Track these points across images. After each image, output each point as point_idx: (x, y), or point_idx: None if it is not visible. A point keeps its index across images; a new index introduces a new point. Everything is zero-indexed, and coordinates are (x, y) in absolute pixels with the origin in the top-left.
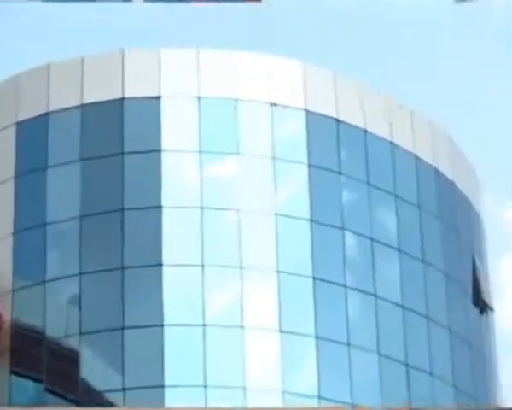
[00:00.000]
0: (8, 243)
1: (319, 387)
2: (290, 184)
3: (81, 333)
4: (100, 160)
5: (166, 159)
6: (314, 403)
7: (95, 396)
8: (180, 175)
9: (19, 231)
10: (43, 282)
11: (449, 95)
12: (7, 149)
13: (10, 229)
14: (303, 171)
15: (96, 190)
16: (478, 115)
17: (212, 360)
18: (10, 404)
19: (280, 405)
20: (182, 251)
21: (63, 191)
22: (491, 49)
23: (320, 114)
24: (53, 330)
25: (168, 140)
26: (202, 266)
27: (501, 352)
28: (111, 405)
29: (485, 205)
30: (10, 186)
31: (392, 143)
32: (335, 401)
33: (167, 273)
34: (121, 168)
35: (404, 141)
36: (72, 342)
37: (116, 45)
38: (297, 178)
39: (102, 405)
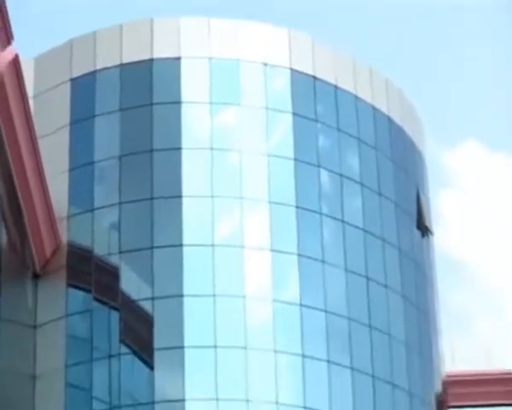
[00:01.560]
0: (65, 178)
1: (300, 296)
2: (279, 129)
3: (120, 252)
4: (134, 110)
5: (185, 109)
6: (297, 310)
7: (131, 304)
8: (195, 122)
9: (73, 168)
10: (92, 210)
11: (403, 53)
12: (63, 101)
13: (66, 166)
14: (289, 119)
15: (131, 134)
16: (428, 69)
17: (219, 272)
18: (67, 313)
19: (270, 311)
20: (196, 185)
21: (106, 136)
22: None
23: (302, 73)
24: (99, 250)
25: (186, 93)
26: (212, 196)
27: (438, 268)
28: (143, 311)
29: (428, 147)
30: (66, 132)
31: (356, 97)
32: (313, 308)
33: (186, 203)
34: (150, 117)
35: (366, 95)
36: (114, 260)
37: (144, 14)
38: (284, 125)
39: (136, 311)
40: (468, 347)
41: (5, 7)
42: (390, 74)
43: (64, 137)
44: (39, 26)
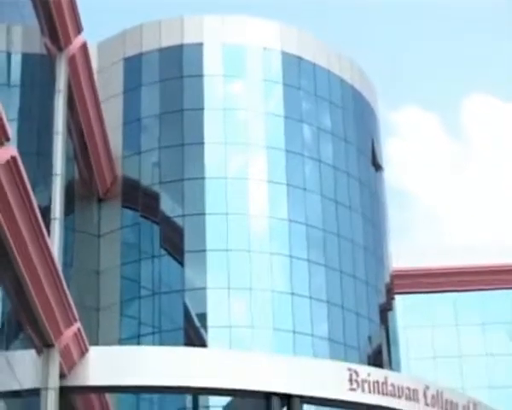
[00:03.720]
0: (120, 130)
1: (288, 214)
2: (273, 95)
3: (160, 183)
4: (169, 81)
5: (205, 80)
6: (286, 224)
7: (167, 219)
8: (213, 90)
9: (125, 122)
10: (139, 153)
11: (367, 38)
12: (118, 75)
13: (121, 121)
14: (280, 88)
15: (167, 98)
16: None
17: (231, 197)
18: (122, 226)
19: (267, 225)
20: (214, 135)
21: (149, 100)
22: None
23: (290, 54)
24: (144, 181)
25: (206, 69)
26: (225, 143)
27: (388, 194)
28: (176, 225)
29: (379, 107)
30: (121, 97)
31: (329, 71)
32: (298, 222)
33: (207, 148)
34: (181, 86)
35: (335, 70)
36: (155, 188)
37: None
38: (277, 92)
39: (172, 224)
40: (408, 250)
41: (76, 5)
42: (354, 54)
43: (119, 100)
44: (98, 17)
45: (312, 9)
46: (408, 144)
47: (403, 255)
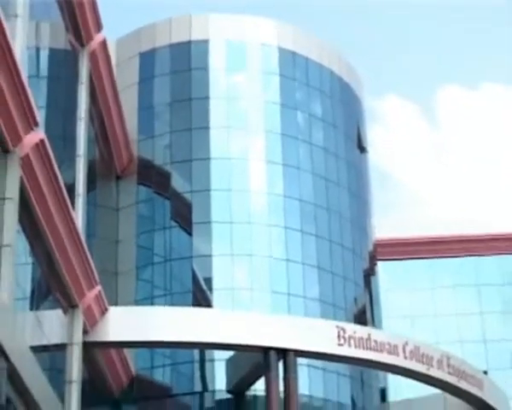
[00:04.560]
0: (135, 115)
1: (284, 190)
2: (271, 85)
3: (171, 162)
4: (179, 73)
5: (211, 72)
6: (281, 199)
7: (177, 195)
8: (217, 80)
9: (140, 109)
10: (152, 136)
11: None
12: (134, 67)
13: (136, 108)
14: (277, 79)
15: (176, 88)
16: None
17: (233, 175)
18: (137, 201)
19: (265, 200)
20: (218, 120)
21: (161, 89)
22: None
23: (285, 49)
24: (157, 161)
25: (211, 63)
26: (228, 127)
27: (371, 174)
28: (185, 199)
29: (365, 96)
30: (136, 87)
31: (320, 64)
32: (292, 198)
33: (212, 132)
34: (189, 77)
35: (325, 63)
36: (167, 167)
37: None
38: (274, 83)
39: (181, 199)
40: (390, 223)
41: (96, 5)
42: (342, 48)
43: (135, 90)
44: (115, 15)
45: (306, 8)
46: (389, 130)
47: (385, 228)
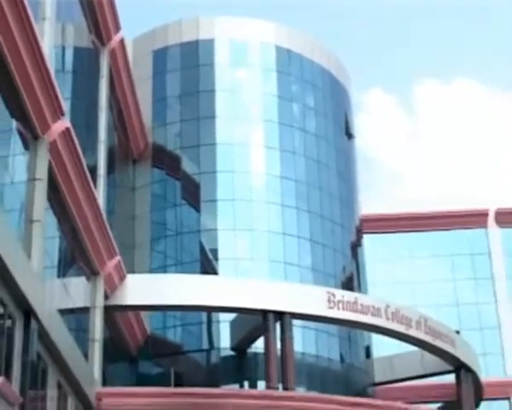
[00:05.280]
0: (150, 106)
1: (281, 171)
2: (269, 79)
3: (181, 148)
4: (188, 68)
5: (216, 68)
6: (278, 179)
7: (187, 176)
8: (222, 75)
9: (154, 100)
10: (165, 124)
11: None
12: (148, 63)
13: (150, 99)
14: (274, 74)
15: (186, 82)
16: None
17: (236, 159)
18: (151, 182)
19: (264, 180)
20: (223, 110)
21: (172, 83)
22: None
23: (282, 47)
24: (169, 146)
25: (217, 60)
26: (231, 117)
27: (357, 158)
28: (194, 180)
29: (352, 88)
30: (150, 80)
31: (312, 61)
32: (288, 178)
33: (218, 121)
34: (197, 72)
35: (316, 59)
36: (177, 152)
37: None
38: (272, 77)
39: (190, 180)
40: (374, 201)
41: (116, 8)
42: (332, 45)
43: (149, 83)
44: (132, 16)
45: (300, 9)
46: (373, 119)
47: (370, 205)
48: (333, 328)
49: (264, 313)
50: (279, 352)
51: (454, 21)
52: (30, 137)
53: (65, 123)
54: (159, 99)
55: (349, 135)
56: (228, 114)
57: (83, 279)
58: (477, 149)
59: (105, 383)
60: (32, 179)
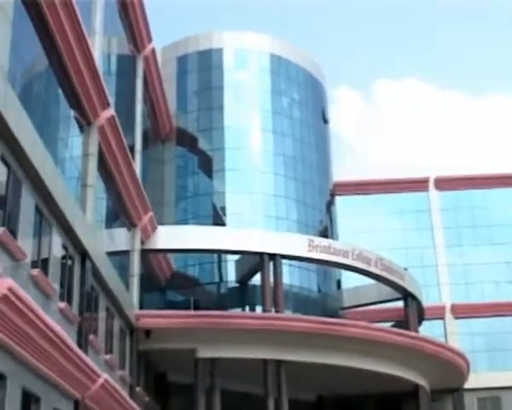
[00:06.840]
0: (174, 99)
1: (274, 148)
2: (264, 79)
3: (198, 130)
4: (203, 71)
5: (224, 70)
6: (271, 154)
7: (203, 152)
8: (228, 76)
9: (178, 95)
10: (186, 112)
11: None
12: (173, 67)
13: (175, 95)
14: (268, 75)
15: (201, 81)
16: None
17: (238, 139)
18: (176, 156)
19: (261, 155)
20: (229, 103)
21: (192, 81)
22: None
23: (275, 55)
24: (189, 129)
25: (225, 64)
26: (236, 108)
27: (332, 138)
28: (208, 156)
29: (326, 83)
30: (174, 80)
31: (297, 64)
32: (278, 154)
33: (225, 112)
34: (209, 74)
35: (300, 63)
36: (195, 134)
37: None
38: (266, 78)
39: (206, 156)
40: (344, 170)
41: (148, 23)
42: (312, 51)
43: (174, 82)
44: (161, 29)
45: (284, 20)
46: (343, 109)
47: (341, 174)
48: (312, 266)
49: (261, 254)
50: (272, 284)
51: (406, 25)
52: (84, 123)
53: (110, 111)
54: (181, 93)
55: (325, 121)
56: (233, 104)
57: (124, 230)
58: (421, 130)
59: (141, 307)
60: (85, 155)
